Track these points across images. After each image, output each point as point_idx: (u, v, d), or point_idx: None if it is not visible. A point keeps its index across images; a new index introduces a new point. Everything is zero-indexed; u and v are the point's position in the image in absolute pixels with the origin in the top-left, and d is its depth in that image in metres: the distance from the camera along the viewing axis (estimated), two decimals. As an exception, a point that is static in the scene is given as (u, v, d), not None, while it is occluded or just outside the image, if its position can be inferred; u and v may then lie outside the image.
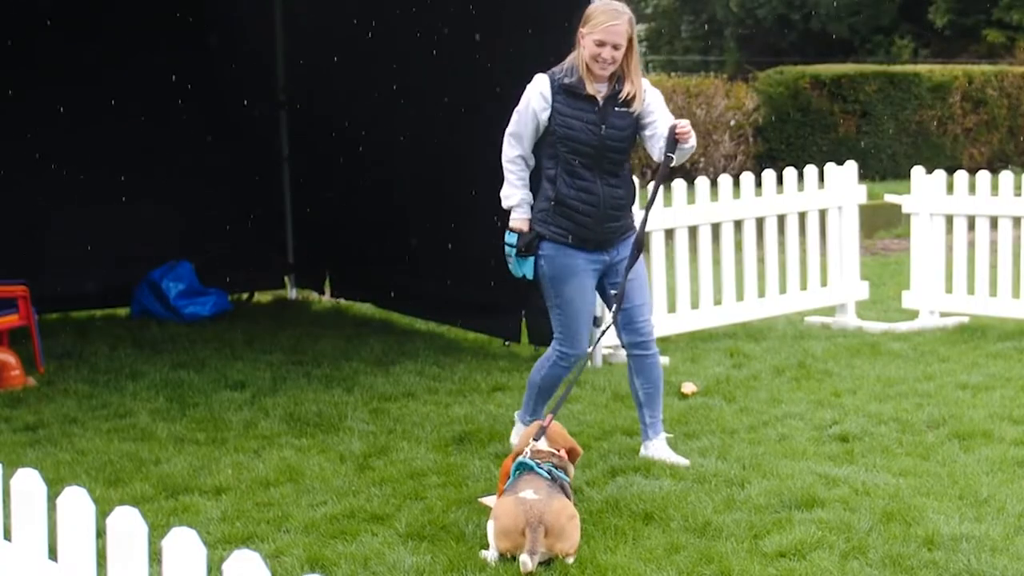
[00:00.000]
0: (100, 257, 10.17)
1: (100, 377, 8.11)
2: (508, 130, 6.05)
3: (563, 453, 5.31)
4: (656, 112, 5.97)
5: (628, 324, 6.10)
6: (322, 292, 11.12)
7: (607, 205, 5.94)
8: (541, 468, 5.11)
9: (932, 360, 8.34)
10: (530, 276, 6.06)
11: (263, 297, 11.29)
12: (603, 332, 6.49)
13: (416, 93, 9.32)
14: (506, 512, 4.86)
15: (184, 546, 2.90)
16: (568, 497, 5.08)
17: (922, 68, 21.56)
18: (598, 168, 5.92)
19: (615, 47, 5.79)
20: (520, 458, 5.20)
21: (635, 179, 6.22)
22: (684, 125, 5.85)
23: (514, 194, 6.06)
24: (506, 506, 4.89)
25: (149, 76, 10.22)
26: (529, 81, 6.05)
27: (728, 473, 5.89)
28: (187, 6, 10.32)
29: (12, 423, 7.05)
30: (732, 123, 19.35)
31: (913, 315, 9.75)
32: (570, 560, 4.82)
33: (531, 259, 6.00)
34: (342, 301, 10.90)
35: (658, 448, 6.17)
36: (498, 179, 8.91)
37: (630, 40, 5.84)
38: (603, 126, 5.88)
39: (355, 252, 10.55)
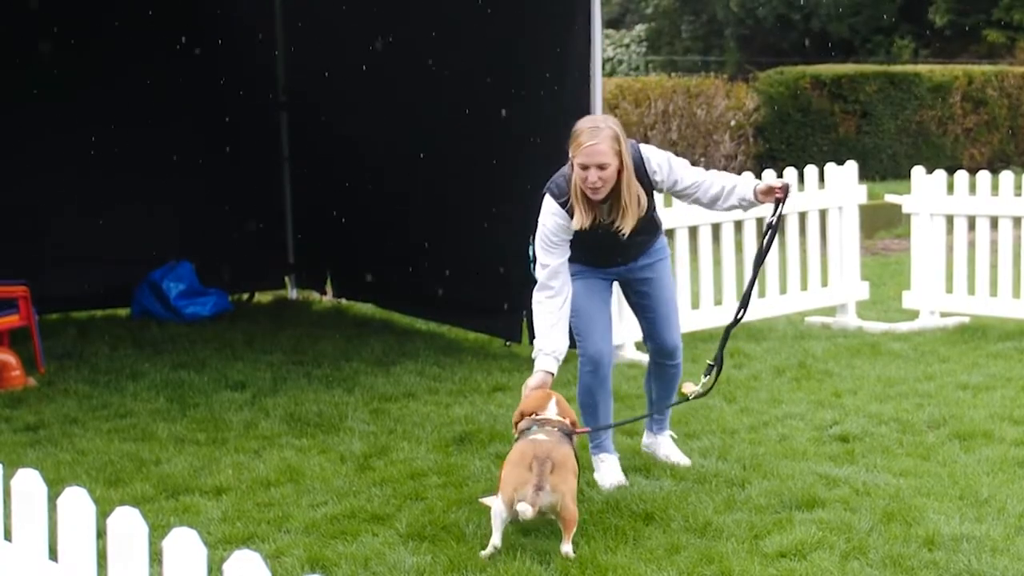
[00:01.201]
0: (100, 257, 10.17)
1: (100, 377, 8.11)
2: (537, 250, 5.67)
3: (569, 423, 5.32)
4: (687, 181, 5.66)
5: (651, 334, 6.01)
6: (323, 292, 11.12)
7: (623, 249, 5.78)
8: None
9: (932, 360, 8.34)
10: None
11: (263, 297, 11.29)
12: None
13: (416, 93, 9.32)
14: (516, 450, 4.96)
15: (185, 546, 2.90)
16: (576, 455, 5.15)
17: (922, 68, 21.55)
18: (610, 253, 5.79)
19: (600, 167, 5.41)
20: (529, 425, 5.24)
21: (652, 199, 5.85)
22: (778, 184, 5.56)
23: (536, 342, 5.66)
24: (517, 446, 4.99)
25: (149, 77, 10.22)
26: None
27: (728, 473, 5.89)
28: (187, 6, 10.32)
29: (12, 423, 7.05)
30: (732, 123, 19.34)
31: (913, 315, 9.75)
32: (567, 549, 4.82)
33: None
34: (342, 301, 10.90)
35: (664, 444, 6.19)
36: (498, 179, 8.95)
37: (620, 156, 5.45)
38: (617, 245, 5.69)
39: (355, 252, 10.55)
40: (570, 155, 5.50)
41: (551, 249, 5.59)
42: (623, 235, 5.59)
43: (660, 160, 5.67)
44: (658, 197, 8.77)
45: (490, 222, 8.87)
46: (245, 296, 11.17)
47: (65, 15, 9.87)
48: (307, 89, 10.74)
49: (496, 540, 4.85)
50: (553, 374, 5.56)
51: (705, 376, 5.74)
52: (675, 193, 5.76)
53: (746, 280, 5.91)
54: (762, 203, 5.59)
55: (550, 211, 5.59)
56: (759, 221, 9.41)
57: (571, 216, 5.55)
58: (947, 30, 29.93)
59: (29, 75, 9.87)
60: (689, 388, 7.52)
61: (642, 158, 5.62)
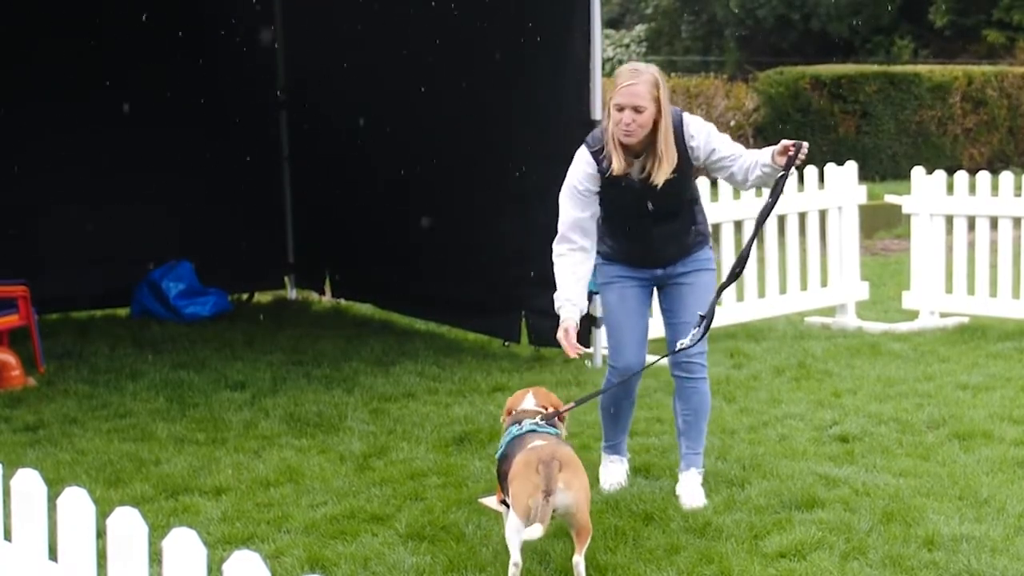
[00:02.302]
0: (100, 257, 10.17)
1: (100, 377, 8.11)
2: (561, 200, 5.58)
3: (550, 409, 5.12)
4: (722, 153, 5.51)
5: (672, 341, 5.72)
6: (322, 292, 11.12)
7: (659, 241, 5.61)
8: (540, 427, 4.96)
9: (932, 360, 8.34)
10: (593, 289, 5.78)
11: (263, 297, 11.29)
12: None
13: (416, 93, 9.32)
14: (518, 462, 4.71)
15: (184, 546, 2.90)
16: None
17: (922, 68, 21.56)
18: (643, 219, 5.57)
19: (636, 110, 5.29)
20: (524, 427, 4.99)
21: (698, 196, 5.77)
22: (789, 142, 5.38)
23: (558, 293, 5.54)
24: (517, 459, 4.73)
25: (150, 76, 10.21)
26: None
27: (728, 473, 5.89)
28: (187, 6, 10.32)
29: (12, 423, 7.05)
30: (732, 123, 19.35)
31: (913, 315, 9.75)
32: (579, 560, 4.58)
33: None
34: (342, 301, 10.90)
35: (683, 483, 5.65)
36: (497, 179, 8.95)
37: (658, 103, 5.34)
38: (648, 202, 5.49)
39: (355, 252, 10.54)
40: (608, 100, 5.41)
41: (575, 199, 5.49)
42: (656, 185, 5.39)
43: (699, 127, 5.55)
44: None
45: (490, 222, 8.87)
46: (245, 296, 11.17)
47: (65, 15, 9.86)
48: (307, 88, 10.74)
49: (516, 557, 4.55)
50: (577, 324, 5.43)
51: (694, 328, 5.42)
52: (711, 165, 5.55)
53: (745, 240, 5.74)
54: (778, 164, 5.37)
55: (581, 159, 5.51)
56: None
57: (606, 166, 5.42)
58: (947, 30, 29.93)
59: (29, 75, 9.86)
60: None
61: (682, 123, 5.50)
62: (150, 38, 10.16)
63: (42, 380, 8.01)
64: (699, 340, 5.45)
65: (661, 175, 5.39)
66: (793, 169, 5.36)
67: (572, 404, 5.31)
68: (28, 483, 3.42)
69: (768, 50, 30.73)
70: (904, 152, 20.27)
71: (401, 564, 4.83)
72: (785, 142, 5.36)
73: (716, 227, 9.17)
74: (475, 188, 9.00)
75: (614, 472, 5.87)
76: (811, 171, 9.67)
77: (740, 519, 5.28)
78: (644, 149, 5.42)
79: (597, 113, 8.12)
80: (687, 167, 5.51)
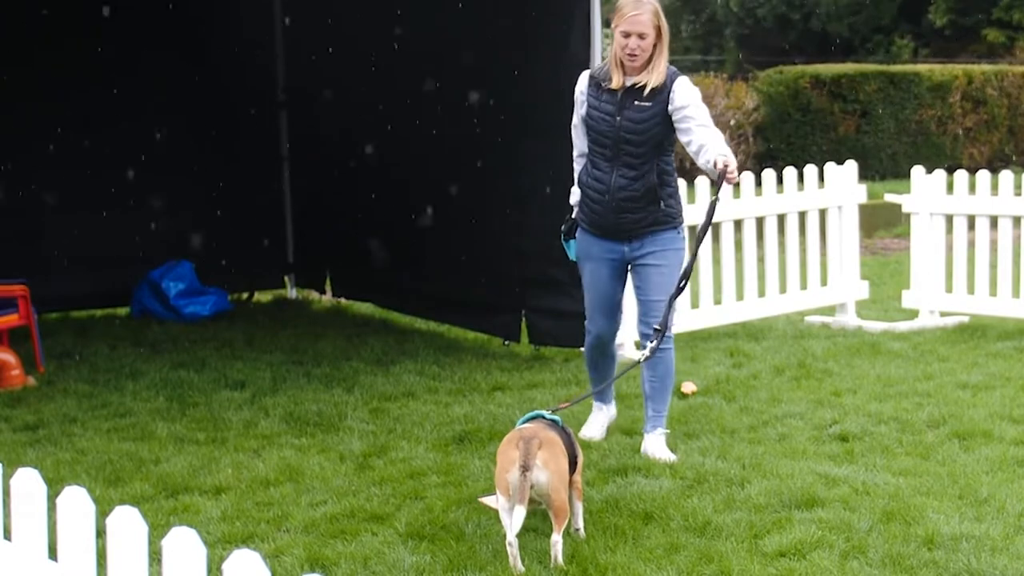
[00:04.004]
0: (100, 257, 10.17)
1: (100, 377, 8.11)
2: (573, 139, 6.40)
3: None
4: (691, 115, 6.01)
5: (643, 316, 6.26)
6: (322, 292, 11.12)
7: (618, 196, 6.13)
8: (551, 416, 5.18)
9: (932, 360, 8.34)
10: (572, 258, 6.44)
11: (263, 297, 11.29)
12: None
13: (416, 93, 9.32)
14: (503, 440, 4.98)
15: (184, 546, 2.91)
16: (575, 446, 5.13)
17: (922, 68, 21.54)
18: (616, 160, 6.12)
19: (640, 36, 5.99)
20: (531, 413, 5.26)
21: (667, 176, 6.18)
22: (731, 169, 5.83)
23: (573, 192, 6.40)
24: (505, 437, 5.01)
25: (150, 76, 10.22)
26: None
27: (728, 473, 5.89)
28: (187, 6, 10.32)
29: (12, 423, 7.05)
30: (732, 123, 19.34)
31: (913, 315, 9.75)
32: (556, 539, 4.75)
33: (572, 242, 6.39)
34: (342, 301, 10.90)
35: (650, 443, 6.23)
36: (497, 178, 8.95)
37: (659, 30, 6.03)
38: (618, 117, 6.08)
39: (355, 252, 10.54)
40: (613, 28, 6.08)
41: (579, 128, 6.31)
42: (652, 107, 6.01)
43: (687, 86, 6.11)
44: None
45: (489, 222, 8.87)
46: (245, 296, 11.17)
47: (64, 15, 9.86)
48: (307, 88, 10.74)
49: (510, 536, 4.71)
50: None
51: (651, 342, 5.89)
52: (678, 123, 6.06)
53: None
54: (714, 170, 5.88)
55: (578, 85, 6.31)
56: (759, 221, 9.43)
57: (604, 75, 6.15)
58: (947, 30, 29.92)
59: (29, 75, 9.86)
60: (688, 388, 7.55)
61: (675, 76, 6.11)
62: (150, 38, 10.16)
63: (42, 380, 8.01)
64: (666, 321, 5.93)
65: (652, 81, 6.03)
66: (719, 182, 5.90)
67: (567, 403, 5.56)
68: (28, 482, 3.43)
69: (768, 50, 30.71)
70: (904, 151, 20.26)
71: (401, 563, 4.83)
72: (729, 165, 5.78)
73: (716, 226, 9.18)
74: (475, 188, 9.00)
75: (593, 421, 6.59)
76: (811, 170, 9.68)
77: (740, 518, 5.28)
78: (641, 72, 6.08)
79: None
80: (663, 112, 6.05)
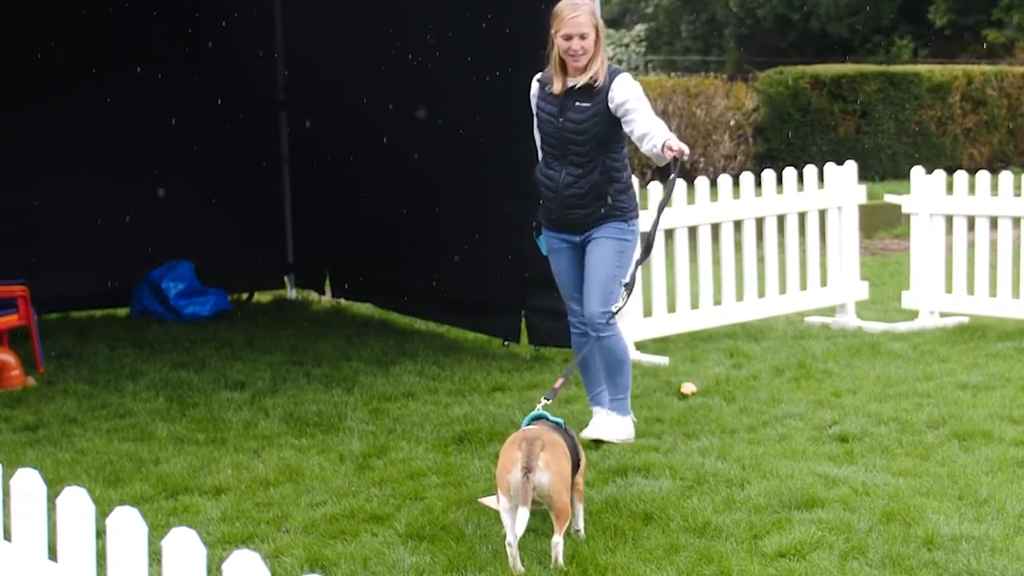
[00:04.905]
0: (100, 257, 10.17)
1: (100, 377, 8.11)
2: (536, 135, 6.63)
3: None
4: (632, 107, 6.18)
5: (584, 301, 6.47)
6: (322, 292, 11.12)
7: (565, 193, 6.36)
8: (555, 418, 5.20)
9: (932, 360, 8.34)
10: (544, 252, 6.67)
11: (263, 297, 11.29)
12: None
13: (416, 93, 9.32)
14: (506, 441, 4.98)
15: (184, 546, 2.91)
16: (578, 448, 5.15)
17: (922, 68, 21.54)
18: (563, 159, 6.36)
19: (581, 37, 6.20)
20: (534, 412, 5.27)
21: (615, 173, 6.34)
22: (677, 147, 5.98)
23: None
24: (508, 438, 5.02)
25: (149, 76, 10.21)
26: (528, 83, 6.37)
27: (728, 473, 5.89)
28: (186, 6, 10.32)
29: (12, 423, 7.05)
30: (732, 123, 19.34)
31: (913, 315, 9.75)
32: (557, 540, 4.76)
33: (542, 238, 6.65)
34: (342, 301, 10.90)
35: (606, 420, 6.51)
36: (496, 178, 8.95)
37: (597, 30, 6.26)
38: (561, 118, 6.32)
39: (355, 252, 10.55)
40: (552, 32, 6.27)
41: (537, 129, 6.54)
42: (591, 107, 6.21)
43: (627, 82, 6.27)
44: (656, 196, 8.79)
45: (489, 222, 8.87)
46: (244, 296, 11.17)
47: (64, 15, 9.86)
48: (307, 89, 10.74)
49: (509, 537, 4.72)
50: None
51: (621, 295, 6.18)
52: (623, 116, 6.21)
53: (650, 222, 6.40)
54: (664, 156, 6.03)
55: (532, 89, 6.54)
56: (759, 221, 9.43)
57: (542, 89, 6.40)
58: (947, 30, 29.94)
59: (29, 75, 9.86)
60: (688, 388, 7.55)
61: (616, 74, 6.28)
62: (150, 38, 10.16)
63: (42, 380, 8.01)
64: (622, 307, 6.24)
65: (599, 77, 6.21)
66: (673, 167, 6.03)
67: (561, 380, 5.60)
68: (28, 483, 3.43)
69: (768, 50, 30.73)
70: (904, 152, 20.26)
71: (401, 564, 4.83)
72: (678, 145, 5.99)
73: (716, 227, 9.19)
74: (475, 188, 9.00)
75: (592, 423, 6.59)
76: (811, 171, 9.68)
77: (740, 519, 5.28)
78: (583, 72, 6.26)
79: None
80: (603, 111, 6.23)
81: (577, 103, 6.28)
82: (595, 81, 6.24)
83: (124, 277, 10.32)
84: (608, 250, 6.35)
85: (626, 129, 6.24)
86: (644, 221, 6.98)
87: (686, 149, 6.02)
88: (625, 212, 6.40)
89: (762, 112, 19.83)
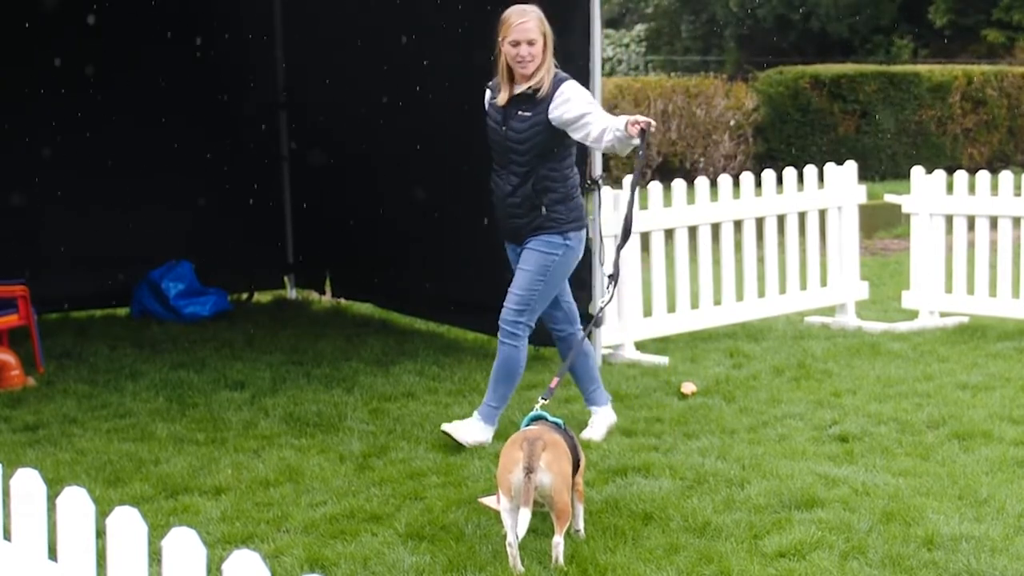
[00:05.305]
0: (100, 257, 10.16)
1: (100, 377, 8.11)
2: None
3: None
4: (586, 112, 6.15)
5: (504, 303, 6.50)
6: (322, 292, 11.12)
7: (505, 202, 6.45)
8: (554, 418, 5.22)
9: (932, 360, 8.35)
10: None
11: (263, 297, 11.29)
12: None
13: (416, 93, 9.32)
14: (507, 441, 5.00)
15: (184, 546, 2.91)
16: (577, 448, 5.16)
17: (922, 68, 21.54)
18: (507, 168, 6.42)
19: (530, 43, 6.20)
20: (533, 412, 5.29)
21: (551, 183, 6.33)
22: (641, 120, 5.98)
23: None
24: (508, 439, 5.04)
25: (149, 76, 10.22)
26: None
27: (728, 473, 5.89)
28: (187, 6, 10.32)
29: (12, 423, 7.05)
30: (732, 123, 19.34)
31: (913, 315, 9.75)
32: (558, 540, 4.76)
33: None
34: (342, 301, 10.90)
35: (462, 425, 6.48)
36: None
37: (545, 36, 6.25)
38: (504, 127, 6.36)
39: (355, 252, 10.54)
40: (500, 39, 6.27)
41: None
42: (532, 116, 6.20)
43: (572, 89, 6.24)
44: (656, 196, 8.79)
45: (489, 221, 8.86)
46: (244, 296, 11.17)
47: (64, 15, 9.86)
48: (307, 89, 10.74)
49: (510, 537, 4.74)
50: None
51: (607, 287, 6.20)
52: (569, 122, 6.19)
53: (626, 200, 6.34)
54: (631, 133, 5.99)
55: (486, 96, 6.57)
56: (759, 221, 9.43)
57: (495, 96, 6.40)
58: (947, 30, 29.92)
59: (29, 75, 9.86)
60: (688, 388, 7.56)
61: (561, 81, 6.26)
62: (150, 38, 10.15)
63: (42, 380, 8.01)
64: (611, 299, 6.26)
65: (545, 83, 6.20)
66: (641, 141, 6.01)
67: (556, 379, 5.69)
68: (28, 483, 3.43)
69: (768, 50, 30.72)
70: (904, 152, 20.26)
71: (401, 564, 4.83)
72: (639, 117, 5.99)
73: (716, 227, 9.20)
74: (475, 188, 8.97)
75: (592, 423, 6.65)
76: (811, 171, 9.68)
77: (740, 519, 5.28)
78: (531, 78, 6.24)
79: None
80: (544, 121, 6.22)
81: (519, 112, 6.28)
82: (538, 89, 6.22)
83: (124, 277, 10.31)
84: (533, 263, 6.37)
85: (581, 133, 6.18)
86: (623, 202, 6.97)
87: (652, 120, 6.03)
88: (560, 224, 6.35)
89: (762, 112, 19.83)
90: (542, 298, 6.41)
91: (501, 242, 6.70)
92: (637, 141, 6.03)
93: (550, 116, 6.21)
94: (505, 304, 6.44)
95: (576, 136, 6.23)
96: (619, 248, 6.24)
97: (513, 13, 6.27)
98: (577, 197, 6.45)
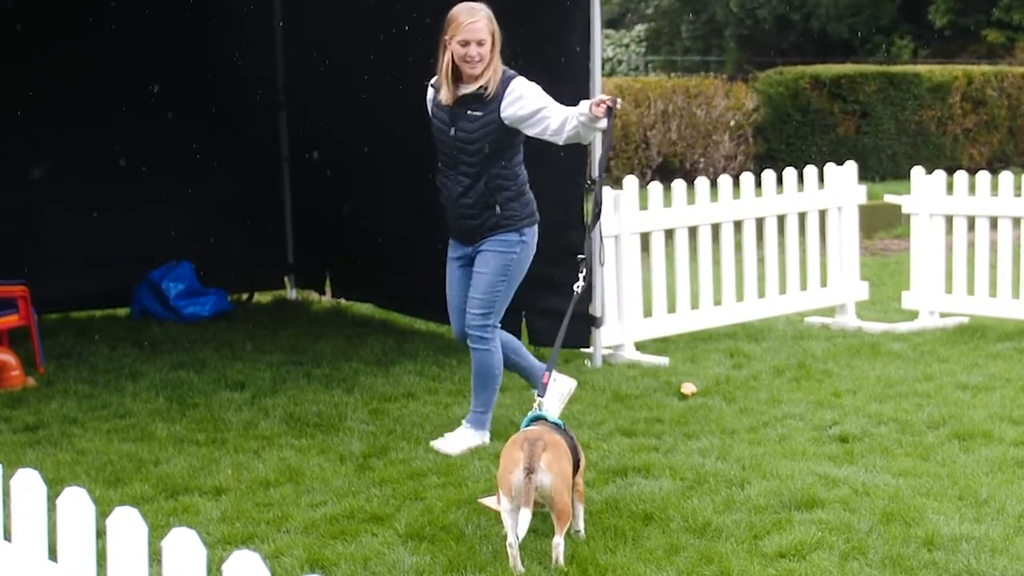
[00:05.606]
0: (100, 257, 10.16)
1: (100, 377, 8.11)
2: None
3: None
4: (542, 107, 6.11)
5: (467, 309, 6.48)
6: (322, 292, 11.12)
7: (457, 203, 6.38)
8: (554, 419, 5.23)
9: (932, 360, 8.35)
10: None
11: (263, 297, 11.29)
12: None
13: (416, 93, 9.29)
14: (507, 442, 5.00)
15: (184, 546, 2.91)
16: (578, 449, 5.15)
17: (922, 68, 21.55)
18: (456, 168, 6.35)
19: (479, 43, 6.12)
20: (532, 412, 5.29)
21: (504, 181, 6.32)
22: (604, 98, 5.98)
23: None
24: (509, 439, 5.04)
25: (148, 77, 10.21)
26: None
27: (728, 474, 5.89)
28: (186, 6, 10.32)
29: (12, 423, 7.05)
30: (732, 123, 19.34)
31: (913, 315, 9.75)
32: (558, 541, 4.77)
33: None
34: (342, 301, 10.90)
35: (450, 437, 6.45)
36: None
37: (493, 35, 6.17)
38: (453, 128, 6.29)
39: (355, 252, 10.54)
40: (445, 41, 6.18)
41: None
42: (482, 116, 6.14)
43: (522, 86, 6.18)
44: (656, 197, 8.79)
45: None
46: (244, 296, 11.17)
47: (63, 16, 9.85)
48: (307, 89, 10.73)
49: (510, 537, 4.74)
50: None
51: (580, 274, 6.07)
52: (525, 119, 6.15)
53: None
54: (596, 115, 5.95)
55: (427, 97, 6.52)
56: (759, 221, 9.43)
57: (437, 95, 6.34)
58: (947, 30, 29.94)
59: (29, 76, 9.86)
60: (688, 388, 7.55)
61: (511, 79, 6.20)
62: (150, 38, 10.15)
63: (42, 380, 8.01)
64: (583, 289, 6.07)
65: (492, 82, 6.13)
66: (608, 120, 5.96)
67: (547, 374, 5.68)
68: (28, 483, 3.43)
69: (768, 50, 30.74)
70: (904, 152, 20.27)
71: (401, 564, 4.83)
72: (602, 96, 5.97)
73: (716, 227, 9.19)
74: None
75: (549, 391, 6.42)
76: (811, 171, 9.68)
77: (740, 519, 5.28)
78: (479, 78, 6.17)
79: (597, 113, 8.11)
80: (496, 120, 6.17)
81: (469, 111, 6.22)
82: (486, 89, 6.17)
83: (124, 277, 10.31)
84: (493, 263, 6.36)
85: (539, 128, 6.14)
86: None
87: (617, 98, 6.00)
88: (516, 221, 6.35)
89: (762, 112, 19.83)
90: (504, 298, 6.43)
91: (446, 240, 6.63)
92: (604, 124, 6.00)
93: (503, 115, 6.17)
94: (468, 310, 6.43)
95: (533, 131, 6.19)
96: (589, 230, 6.25)
97: (462, 12, 6.19)
98: (528, 193, 6.44)
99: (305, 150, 10.93)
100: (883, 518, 5.25)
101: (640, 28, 35.62)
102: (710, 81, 19.84)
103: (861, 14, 30.74)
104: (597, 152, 8.20)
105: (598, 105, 5.93)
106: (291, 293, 11.38)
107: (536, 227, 6.48)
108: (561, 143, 6.23)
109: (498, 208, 6.31)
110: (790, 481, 5.73)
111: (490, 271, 6.36)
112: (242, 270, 10.93)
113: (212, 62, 10.43)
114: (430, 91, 6.46)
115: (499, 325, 6.52)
